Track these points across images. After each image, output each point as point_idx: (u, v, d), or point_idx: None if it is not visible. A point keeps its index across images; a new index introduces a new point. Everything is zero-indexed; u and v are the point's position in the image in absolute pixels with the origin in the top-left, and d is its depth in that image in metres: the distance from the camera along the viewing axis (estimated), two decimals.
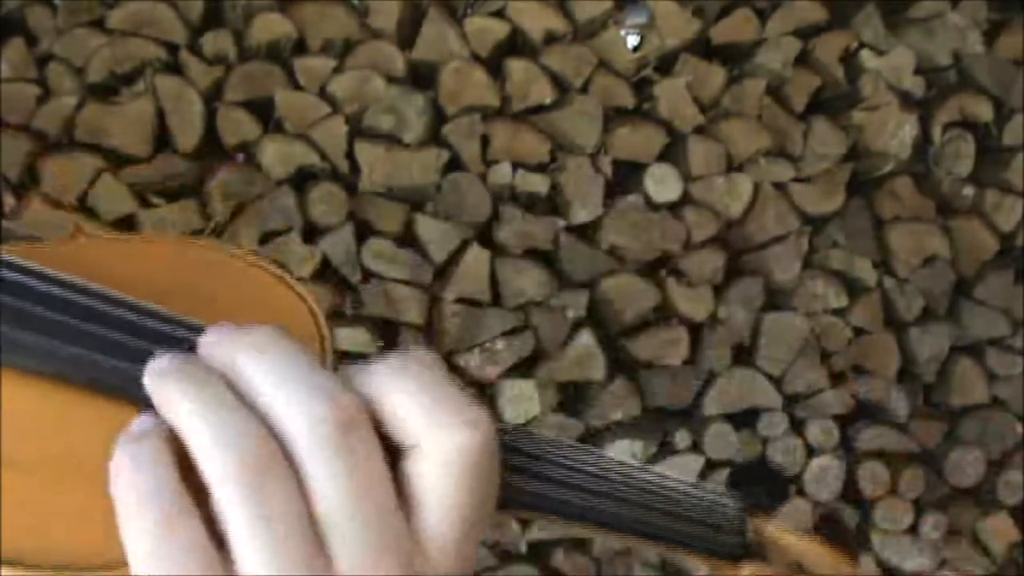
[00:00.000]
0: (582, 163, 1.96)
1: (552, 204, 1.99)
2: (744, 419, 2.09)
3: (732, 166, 2.02)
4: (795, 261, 2.04)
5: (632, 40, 2.00)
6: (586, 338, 1.99)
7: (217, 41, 1.91)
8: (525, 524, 2.05)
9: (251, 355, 0.40)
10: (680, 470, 2.07)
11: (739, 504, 0.71)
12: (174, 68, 1.90)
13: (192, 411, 0.38)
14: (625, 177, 2.03)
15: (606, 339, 2.02)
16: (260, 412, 0.39)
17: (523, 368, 2.00)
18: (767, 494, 0.82)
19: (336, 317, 1.92)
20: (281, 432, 0.38)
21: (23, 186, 1.89)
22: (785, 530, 0.75)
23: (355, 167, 1.92)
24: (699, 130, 2.00)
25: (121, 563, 0.39)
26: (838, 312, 2.08)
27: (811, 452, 2.12)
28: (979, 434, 2.16)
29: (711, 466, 2.08)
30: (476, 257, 1.92)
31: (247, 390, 0.39)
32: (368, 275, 1.93)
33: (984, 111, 2.09)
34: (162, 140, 1.90)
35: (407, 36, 1.95)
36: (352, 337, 1.92)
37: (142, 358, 0.42)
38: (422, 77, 1.97)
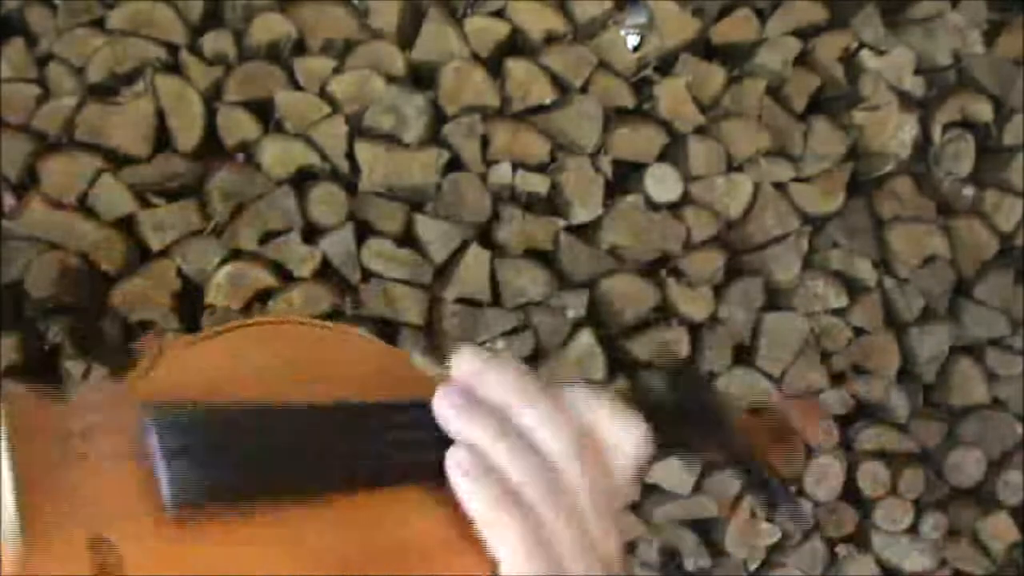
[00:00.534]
0: (582, 163, 1.96)
1: (552, 204, 1.99)
2: None
3: (732, 166, 2.02)
4: (795, 261, 2.04)
5: (632, 40, 2.00)
6: (586, 338, 1.99)
7: (217, 41, 1.91)
8: None
9: (517, 398, 0.56)
10: (680, 472, 2.07)
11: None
12: (174, 68, 1.90)
13: (504, 448, 0.55)
14: (625, 177, 2.03)
15: (606, 339, 2.02)
16: (528, 439, 0.55)
17: None
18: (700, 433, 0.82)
19: (336, 317, 1.92)
20: (546, 452, 0.55)
21: (23, 186, 1.89)
22: None
23: (355, 167, 1.91)
24: (699, 130, 2.00)
25: None
26: (838, 312, 2.08)
27: (811, 452, 2.12)
28: (979, 434, 2.16)
29: (711, 466, 2.08)
30: (476, 257, 1.92)
31: (518, 423, 0.56)
32: (368, 275, 1.93)
33: (984, 111, 2.09)
34: (162, 140, 1.90)
35: (407, 36, 1.95)
36: None
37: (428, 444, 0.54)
38: (422, 77, 1.97)
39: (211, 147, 1.92)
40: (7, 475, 0.45)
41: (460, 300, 1.93)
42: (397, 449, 0.56)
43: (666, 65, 2.01)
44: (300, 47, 1.94)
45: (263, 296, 1.90)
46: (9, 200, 1.89)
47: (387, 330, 1.98)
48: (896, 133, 2.06)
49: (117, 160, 1.88)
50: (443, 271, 1.95)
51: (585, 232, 1.99)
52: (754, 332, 2.06)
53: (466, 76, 1.92)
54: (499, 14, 1.97)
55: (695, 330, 2.04)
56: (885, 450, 2.15)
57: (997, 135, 2.10)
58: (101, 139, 1.87)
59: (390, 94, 1.91)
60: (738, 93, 2.02)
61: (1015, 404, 2.18)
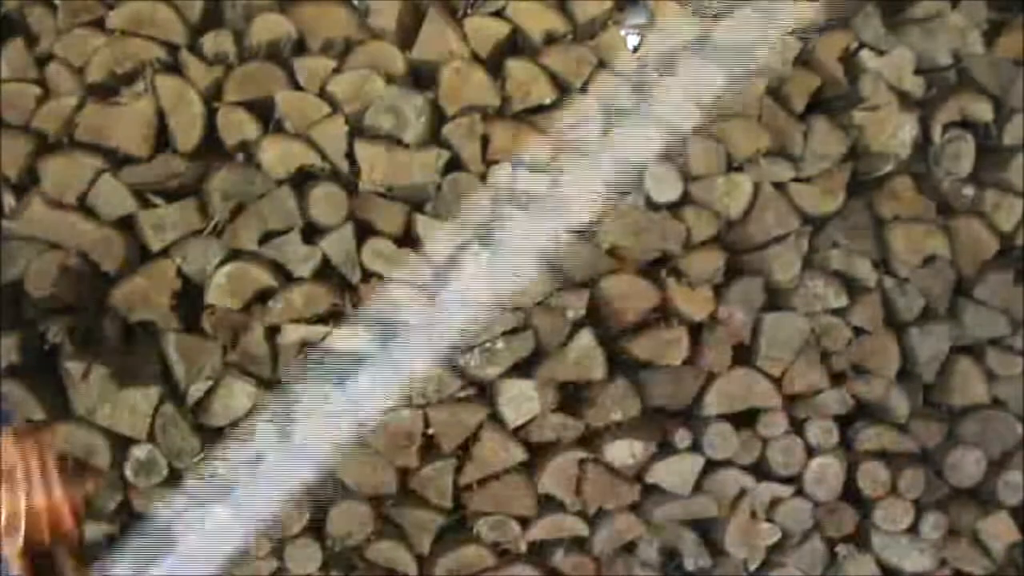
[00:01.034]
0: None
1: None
2: (744, 419, 2.09)
3: (732, 166, 2.02)
4: (795, 261, 2.04)
5: (632, 40, 2.00)
6: (586, 338, 1.99)
7: (217, 41, 1.91)
8: (525, 524, 2.05)
9: None
10: (678, 470, 2.07)
11: None
12: (174, 68, 1.90)
13: None
14: (625, 177, 2.03)
15: (606, 339, 2.02)
16: None
17: (523, 368, 2.00)
18: None
19: (336, 317, 1.92)
20: None
21: (23, 186, 1.89)
22: None
23: (355, 167, 1.91)
24: (699, 130, 2.00)
25: None
26: (838, 312, 2.08)
27: (811, 452, 2.12)
28: (979, 434, 2.16)
29: (711, 466, 2.08)
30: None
31: None
32: (368, 275, 1.93)
33: (984, 111, 2.09)
34: (162, 140, 1.90)
35: (407, 36, 1.95)
36: (352, 337, 1.92)
37: None
38: (422, 77, 1.97)
39: (211, 147, 1.92)
40: None
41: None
42: None
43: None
44: (300, 47, 1.94)
45: (263, 296, 1.90)
46: (9, 200, 1.89)
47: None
48: (896, 133, 2.05)
49: (117, 160, 1.88)
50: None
51: (585, 232, 1.99)
52: (754, 332, 2.06)
53: (466, 76, 1.92)
54: (499, 14, 1.97)
55: (695, 330, 2.04)
56: (885, 450, 2.15)
57: (997, 135, 2.10)
58: (101, 139, 1.87)
59: (390, 94, 1.91)
60: (738, 93, 2.02)
61: (1015, 404, 2.17)
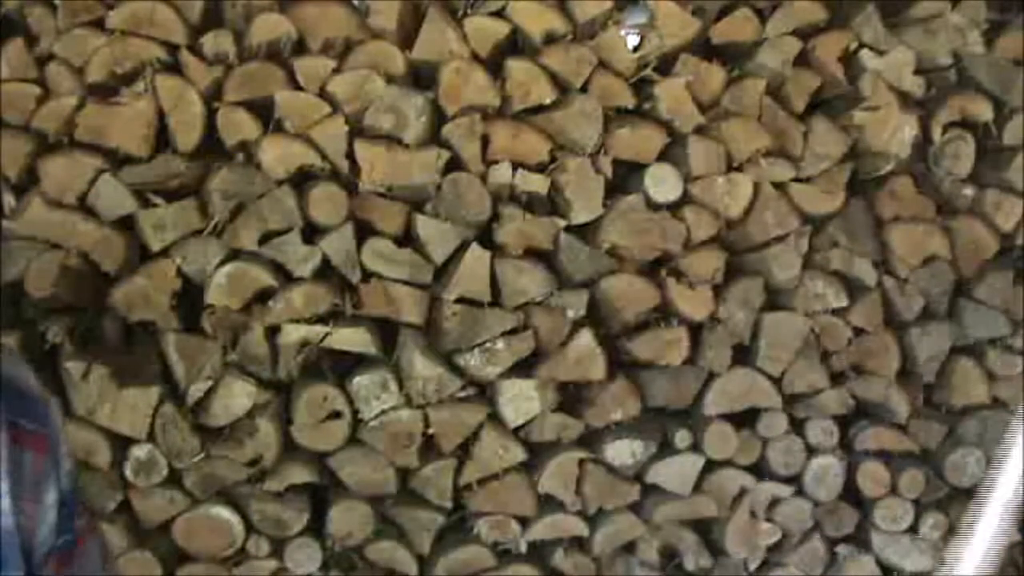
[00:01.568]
0: (582, 163, 1.96)
1: (552, 204, 1.99)
2: (744, 419, 2.09)
3: (732, 166, 2.02)
4: (795, 261, 2.04)
5: (632, 40, 2.00)
6: (586, 338, 1.99)
7: (217, 41, 1.91)
8: (525, 524, 2.05)
9: None
10: (679, 470, 2.07)
11: None
12: (174, 68, 1.90)
13: None
14: (625, 177, 2.03)
15: (606, 339, 2.02)
16: None
17: (523, 368, 2.00)
18: None
19: (336, 317, 1.92)
20: None
21: (23, 186, 1.89)
22: None
23: (355, 167, 1.91)
24: (699, 130, 2.00)
25: None
26: (838, 312, 2.08)
27: (811, 452, 2.12)
28: (979, 434, 2.16)
29: (711, 466, 2.08)
30: (476, 257, 1.92)
31: None
32: (368, 275, 1.93)
33: (984, 111, 2.09)
34: (162, 140, 1.90)
35: (407, 36, 1.95)
36: (352, 337, 1.92)
37: None
38: (422, 77, 1.97)
39: (211, 147, 1.92)
40: None
41: (460, 300, 1.93)
42: None
43: (666, 65, 2.01)
44: (300, 47, 1.94)
45: (263, 296, 1.90)
46: (9, 200, 1.89)
47: (387, 330, 1.98)
48: (896, 133, 2.05)
49: (117, 160, 1.88)
50: (443, 271, 1.95)
51: (585, 232, 1.99)
52: (754, 332, 2.06)
53: (466, 76, 1.92)
54: (499, 14, 1.96)
55: (695, 330, 2.04)
56: (885, 450, 2.15)
57: (997, 135, 2.10)
58: (101, 139, 1.87)
59: (390, 94, 1.90)
60: (738, 93, 2.02)
61: (1015, 404, 2.17)
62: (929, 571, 2.18)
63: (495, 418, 2.00)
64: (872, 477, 2.13)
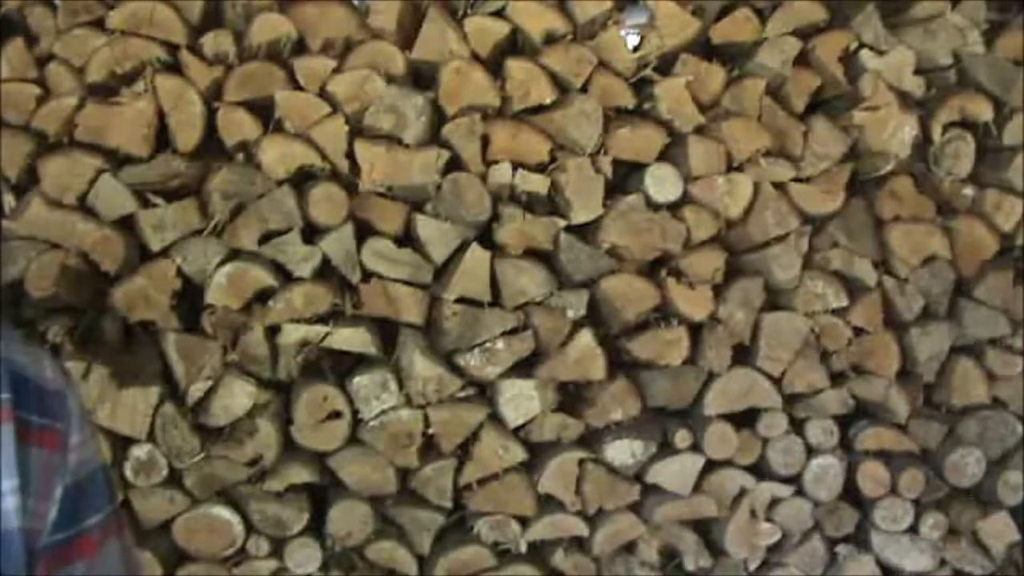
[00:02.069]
0: (582, 163, 1.96)
1: (552, 204, 1.99)
2: (744, 419, 2.09)
3: (732, 166, 2.02)
4: (795, 261, 2.04)
5: (632, 40, 2.00)
6: (586, 338, 1.99)
7: (217, 41, 1.91)
8: (525, 524, 2.05)
9: None
10: (679, 470, 2.07)
11: None
12: (174, 68, 1.90)
13: None
14: (625, 177, 2.03)
15: (606, 339, 2.02)
16: None
17: (523, 368, 2.00)
18: None
19: (336, 317, 1.92)
20: None
21: (23, 186, 1.89)
22: None
23: (355, 167, 1.91)
24: (699, 130, 2.00)
25: None
26: (838, 312, 2.08)
27: (811, 452, 2.12)
28: (979, 434, 2.16)
29: (711, 466, 2.08)
30: (476, 257, 1.92)
31: None
32: (368, 275, 1.93)
33: (984, 111, 2.09)
34: (162, 140, 1.90)
35: (407, 36, 1.95)
36: (352, 337, 1.92)
37: None
38: (422, 77, 1.97)
39: (211, 147, 1.92)
40: None
41: (460, 300, 1.93)
42: None
43: (666, 65, 2.01)
44: (300, 47, 1.94)
45: (263, 296, 1.90)
46: (9, 200, 1.89)
47: (387, 330, 1.98)
48: (896, 133, 2.05)
49: (117, 160, 1.88)
50: (443, 271, 1.95)
51: (585, 232, 1.99)
52: (754, 332, 2.06)
53: (466, 76, 1.92)
54: (499, 14, 1.96)
55: (695, 330, 2.04)
56: (885, 450, 2.15)
57: (997, 135, 2.10)
58: (101, 139, 1.87)
59: (390, 94, 1.90)
60: (738, 93, 2.02)
61: (1015, 404, 2.17)
62: (929, 571, 2.18)
63: (495, 418, 2.00)
64: (872, 477, 2.13)
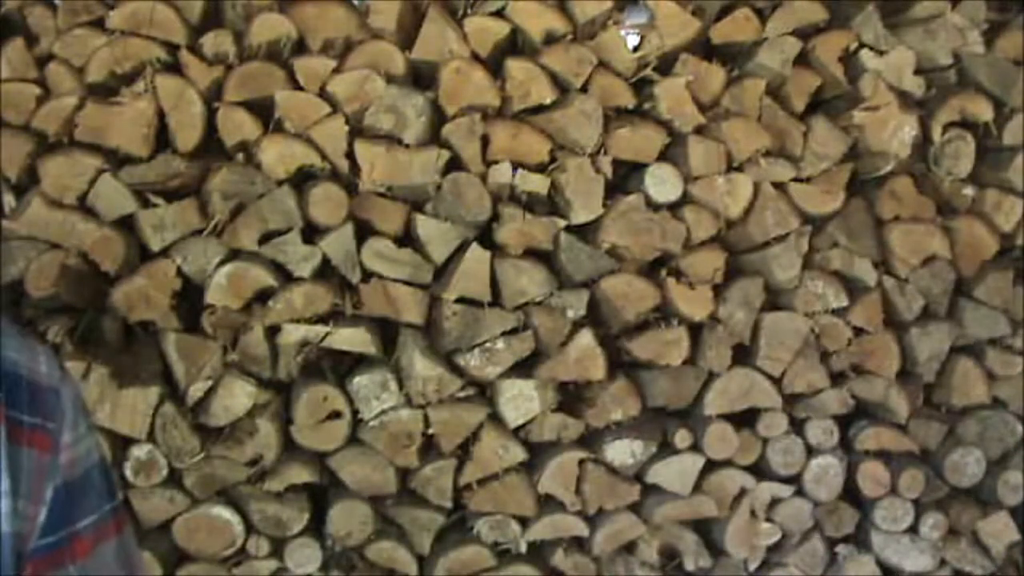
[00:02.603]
0: (582, 163, 1.96)
1: (552, 204, 1.99)
2: (744, 419, 2.09)
3: (732, 166, 2.02)
4: (795, 261, 2.04)
5: (632, 40, 2.00)
6: (586, 338, 1.99)
7: (217, 41, 1.91)
8: (525, 524, 2.05)
9: None
10: (678, 470, 2.07)
11: None
12: (174, 68, 1.90)
13: None
14: (625, 177, 2.03)
15: (606, 339, 2.02)
16: None
17: (523, 368, 2.00)
18: None
19: (336, 317, 1.92)
20: None
21: (23, 186, 1.89)
22: None
23: (355, 167, 1.91)
24: (699, 130, 2.00)
25: None
26: (838, 312, 2.08)
27: (811, 452, 2.12)
28: (979, 434, 2.16)
29: (711, 466, 2.08)
30: (476, 257, 1.92)
31: None
32: (368, 275, 1.93)
33: (984, 111, 2.09)
34: (162, 140, 1.90)
35: (407, 36, 1.95)
36: (352, 337, 1.92)
37: None
38: (422, 77, 1.97)
39: (211, 147, 1.92)
40: None
41: (460, 300, 1.93)
42: None
43: (666, 65, 2.01)
44: (300, 47, 1.94)
45: (263, 296, 1.91)
46: (9, 200, 1.89)
47: (387, 330, 1.98)
48: (896, 133, 2.05)
49: (117, 160, 1.88)
50: (443, 271, 1.95)
51: (585, 232, 1.99)
52: (754, 332, 2.06)
53: (466, 76, 1.92)
54: (499, 14, 1.96)
55: (695, 330, 2.04)
56: (885, 450, 2.15)
57: (997, 135, 2.10)
58: (101, 139, 1.87)
59: (390, 94, 1.91)
60: (738, 93, 2.02)
61: (1015, 404, 2.18)
62: (929, 571, 2.18)
63: (495, 418, 2.00)
64: (872, 477, 2.13)
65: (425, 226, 1.93)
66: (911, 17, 2.11)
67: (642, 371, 2.05)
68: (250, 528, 1.97)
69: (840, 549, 2.18)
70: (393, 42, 1.94)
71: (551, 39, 1.97)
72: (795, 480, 2.12)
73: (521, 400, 1.99)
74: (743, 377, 2.07)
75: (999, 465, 2.18)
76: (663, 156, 2.00)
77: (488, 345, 1.96)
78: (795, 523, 2.14)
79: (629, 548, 2.11)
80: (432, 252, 1.93)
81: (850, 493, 2.15)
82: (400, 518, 2.03)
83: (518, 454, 2.01)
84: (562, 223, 1.97)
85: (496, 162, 1.94)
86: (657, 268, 2.03)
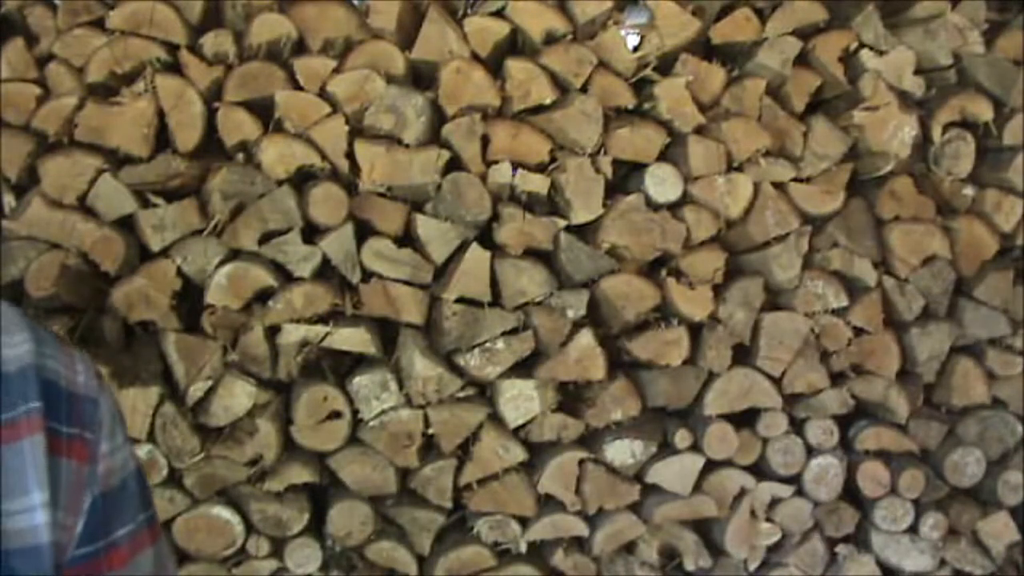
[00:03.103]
0: (582, 163, 1.96)
1: (552, 204, 1.99)
2: (744, 419, 2.09)
3: (732, 166, 2.02)
4: (795, 261, 2.04)
5: (632, 40, 2.00)
6: (586, 338, 1.99)
7: (217, 41, 1.91)
8: (525, 524, 2.05)
9: None
10: (678, 470, 2.07)
11: None
12: (174, 68, 1.90)
13: None
14: (625, 177, 2.03)
15: (606, 339, 2.02)
16: None
17: (523, 368, 2.00)
18: None
19: (336, 317, 1.92)
20: None
21: (23, 186, 1.89)
22: None
23: (355, 167, 1.91)
24: (699, 130, 2.00)
25: None
26: (838, 312, 2.08)
27: (811, 452, 2.12)
28: (979, 434, 2.16)
29: (711, 466, 2.08)
30: (476, 257, 1.92)
31: None
32: (368, 275, 1.93)
33: (984, 111, 2.09)
34: (162, 140, 1.90)
35: (407, 36, 1.95)
36: (352, 337, 1.92)
37: None
38: (422, 77, 1.97)
39: (211, 147, 1.92)
40: None
41: (460, 300, 1.93)
42: None
43: (666, 65, 2.01)
44: (300, 47, 1.94)
45: (263, 296, 1.91)
46: (9, 200, 1.89)
47: (387, 330, 1.98)
48: (896, 133, 2.05)
49: (117, 160, 1.88)
50: (443, 271, 1.95)
51: (585, 232, 1.99)
52: (754, 332, 2.06)
53: (466, 76, 1.92)
54: (499, 14, 1.96)
55: (695, 330, 2.04)
56: (885, 450, 2.15)
57: (997, 135, 2.10)
58: (101, 139, 1.87)
59: (390, 94, 1.91)
60: (738, 93, 2.02)
61: (1015, 404, 2.18)
62: (929, 571, 2.18)
63: (495, 418, 2.00)
64: (872, 477, 2.13)
65: (425, 226, 1.93)
66: (911, 17, 2.11)
67: (642, 371, 2.05)
68: (250, 528, 1.97)
69: (840, 549, 2.18)
70: (393, 42, 1.94)
71: (551, 39, 1.97)
72: (795, 480, 2.13)
73: (521, 400, 1.99)
74: (743, 377, 2.07)
75: (999, 465, 2.18)
76: (663, 156, 2.00)
77: (488, 345, 1.96)
78: (795, 523, 2.14)
79: (629, 548, 2.11)
80: (432, 252, 1.93)
81: (850, 493, 2.15)
82: (400, 518, 2.03)
83: (518, 454, 2.01)
84: (562, 223, 1.97)
85: (496, 162, 1.94)
86: (657, 268, 2.03)
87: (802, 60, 2.05)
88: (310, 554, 1.99)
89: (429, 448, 2.00)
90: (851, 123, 2.05)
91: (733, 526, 2.11)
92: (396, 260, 1.93)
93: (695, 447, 2.07)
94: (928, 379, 2.15)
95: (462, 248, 1.94)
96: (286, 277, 1.91)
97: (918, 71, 2.08)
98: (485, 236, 1.96)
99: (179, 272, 1.88)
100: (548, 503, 2.06)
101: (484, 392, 2.01)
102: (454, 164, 1.94)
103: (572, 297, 1.98)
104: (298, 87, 1.91)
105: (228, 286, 1.88)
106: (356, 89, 1.91)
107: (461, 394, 1.97)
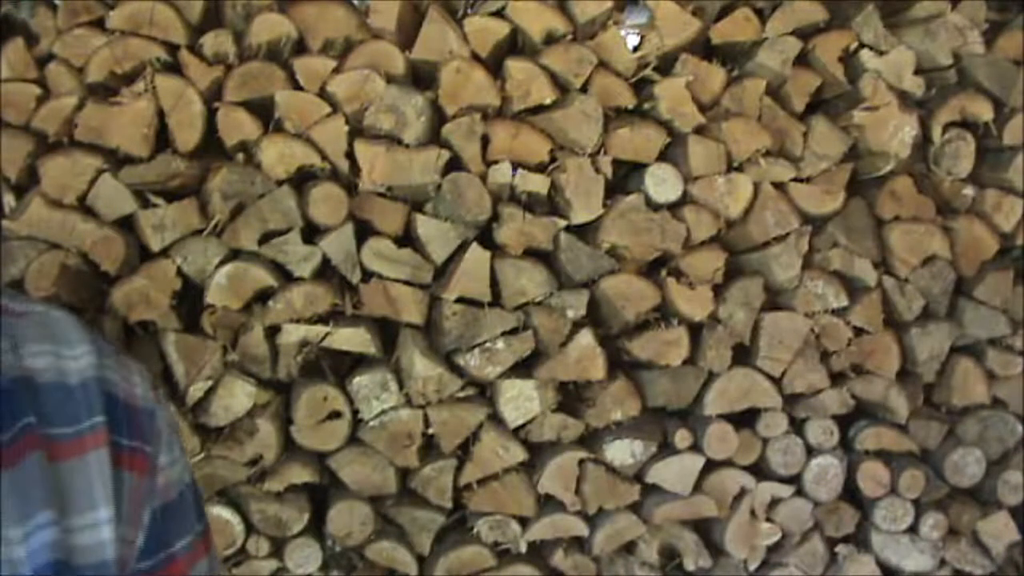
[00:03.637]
0: (582, 163, 1.96)
1: (552, 204, 1.99)
2: (744, 419, 2.09)
3: (732, 166, 2.02)
4: (795, 261, 2.04)
5: (632, 40, 2.00)
6: (586, 338, 1.99)
7: (217, 41, 1.91)
8: (525, 524, 2.05)
9: None
10: (678, 470, 2.07)
11: None
12: (174, 68, 1.90)
13: None
14: (625, 177, 2.03)
15: (606, 339, 2.02)
16: None
17: (523, 368, 2.00)
18: None
19: (336, 317, 1.92)
20: None
21: (23, 186, 1.89)
22: None
23: (355, 167, 1.91)
24: (699, 130, 2.00)
25: None
26: (838, 312, 2.08)
27: (811, 452, 2.12)
28: (979, 434, 2.16)
29: (711, 466, 2.08)
30: (476, 257, 1.92)
31: None
32: (368, 275, 1.93)
33: (984, 111, 2.09)
34: (162, 140, 1.90)
35: (407, 36, 1.95)
36: (352, 337, 1.92)
37: None
38: (422, 77, 1.97)
39: (211, 147, 1.92)
40: None
41: (460, 300, 1.93)
42: None
43: (666, 65, 2.01)
44: (300, 47, 1.94)
45: (263, 296, 1.91)
46: (9, 200, 1.89)
47: (387, 330, 1.98)
48: (896, 133, 2.05)
49: (117, 160, 1.88)
50: (443, 271, 1.95)
51: (585, 232, 1.99)
52: (754, 332, 2.06)
53: (466, 76, 1.92)
54: (499, 14, 1.96)
55: (695, 330, 2.04)
56: (885, 450, 2.15)
57: (997, 135, 2.10)
58: (101, 139, 1.87)
59: (390, 94, 1.91)
60: (738, 93, 2.02)
61: (1015, 404, 2.18)
62: (929, 571, 2.18)
63: (495, 418, 2.00)
64: (872, 477, 2.13)
65: (425, 226, 1.93)
66: (911, 17, 2.11)
67: (642, 371, 2.05)
68: (250, 528, 1.97)
69: (840, 549, 2.18)
70: (393, 42, 1.94)
71: (551, 39, 1.97)
72: (795, 480, 2.13)
73: (521, 400, 1.99)
74: (743, 377, 2.07)
75: (999, 465, 2.18)
76: (663, 156, 2.00)
77: (488, 345, 1.96)
78: (795, 523, 2.14)
79: (629, 548, 2.11)
80: (432, 252, 1.93)
81: (850, 493, 2.15)
82: (400, 518, 2.03)
83: (518, 454, 2.01)
84: (562, 223, 1.97)
85: (496, 162, 1.94)
86: (657, 268, 2.03)
87: (802, 60, 2.05)
88: (310, 554, 1.99)
89: (429, 448, 2.00)
90: (851, 123, 2.05)
91: (733, 526, 2.11)
92: (396, 260, 1.93)
93: (695, 447, 2.07)
94: (928, 379, 2.15)
95: (462, 248, 1.94)
96: (286, 277, 1.91)
97: (918, 71, 2.08)
98: (485, 236, 1.96)
99: (179, 272, 1.88)
100: (548, 503, 2.06)
101: (484, 392, 2.01)
102: (454, 164, 1.94)
103: (572, 297, 1.98)
104: (298, 87, 1.91)
105: (228, 286, 1.88)
106: (356, 89, 1.91)
107: (461, 394, 1.97)
